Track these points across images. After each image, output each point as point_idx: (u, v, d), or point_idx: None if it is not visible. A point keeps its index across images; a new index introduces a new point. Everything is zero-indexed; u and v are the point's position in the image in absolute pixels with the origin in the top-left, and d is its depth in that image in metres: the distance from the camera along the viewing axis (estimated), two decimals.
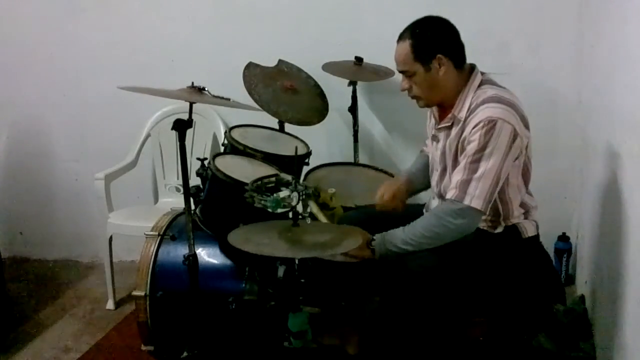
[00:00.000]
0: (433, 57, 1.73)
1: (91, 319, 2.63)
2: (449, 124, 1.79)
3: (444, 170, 1.85)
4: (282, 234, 1.62)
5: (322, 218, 1.86)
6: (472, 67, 1.81)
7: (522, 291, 1.83)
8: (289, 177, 1.79)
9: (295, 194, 1.68)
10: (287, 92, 2.42)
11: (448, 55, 1.74)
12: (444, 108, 1.83)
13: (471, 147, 1.67)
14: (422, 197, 2.19)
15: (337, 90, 2.57)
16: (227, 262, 2.02)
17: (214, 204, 2.03)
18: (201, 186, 2.08)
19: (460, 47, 1.78)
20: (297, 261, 1.95)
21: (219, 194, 1.99)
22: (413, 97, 1.82)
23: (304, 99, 2.47)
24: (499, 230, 1.81)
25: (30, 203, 3.19)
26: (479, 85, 1.76)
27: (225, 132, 2.23)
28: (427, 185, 2.05)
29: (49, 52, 2.97)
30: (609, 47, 1.98)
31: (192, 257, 1.81)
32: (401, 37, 1.78)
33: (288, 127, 2.44)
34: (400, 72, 1.80)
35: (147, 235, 2.08)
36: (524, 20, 2.55)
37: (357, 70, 2.53)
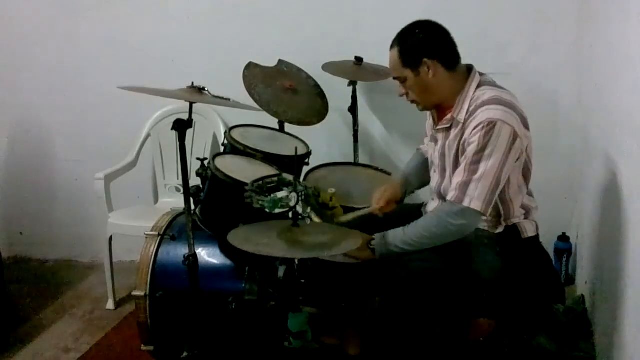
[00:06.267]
0: (419, 61, 1.74)
1: (91, 319, 2.63)
2: (448, 125, 1.79)
3: (443, 171, 1.85)
4: (281, 234, 1.62)
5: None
6: (470, 68, 1.80)
7: (522, 291, 1.83)
8: (291, 178, 1.79)
9: (293, 194, 1.68)
10: (287, 92, 2.41)
11: (435, 58, 1.74)
12: (443, 109, 1.83)
13: (471, 149, 1.67)
14: (422, 196, 2.20)
15: (337, 90, 2.57)
16: (227, 262, 2.02)
17: (214, 204, 2.03)
18: (201, 186, 2.08)
19: (451, 48, 1.77)
20: (297, 261, 1.95)
21: (218, 194, 1.99)
22: (411, 102, 1.84)
23: (304, 99, 2.46)
24: (500, 230, 1.81)
25: (30, 203, 3.19)
26: (478, 87, 1.76)
27: (225, 132, 2.23)
28: (424, 184, 2.06)
29: (49, 52, 2.97)
30: (609, 47, 1.98)
31: (192, 257, 1.81)
32: (391, 45, 1.80)
33: (288, 127, 2.44)
34: (394, 78, 1.82)
35: (147, 235, 2.07)
36: (524, 20, 2.54)
37: (357, 70, 2.53)
